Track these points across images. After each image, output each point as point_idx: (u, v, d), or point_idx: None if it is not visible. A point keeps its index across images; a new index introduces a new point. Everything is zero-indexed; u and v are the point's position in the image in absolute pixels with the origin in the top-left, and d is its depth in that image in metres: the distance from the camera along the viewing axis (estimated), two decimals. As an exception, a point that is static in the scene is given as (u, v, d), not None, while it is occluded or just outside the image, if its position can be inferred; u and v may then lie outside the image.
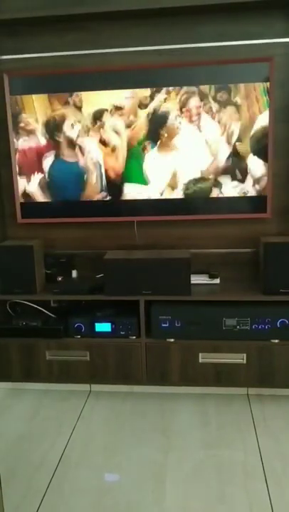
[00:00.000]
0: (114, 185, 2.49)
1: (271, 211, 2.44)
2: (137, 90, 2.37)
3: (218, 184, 2.42)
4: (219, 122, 2.35)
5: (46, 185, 2.53)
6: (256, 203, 2.43)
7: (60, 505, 1.73)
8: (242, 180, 2.40)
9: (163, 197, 2.47)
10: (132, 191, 2.48)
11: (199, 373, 2.34)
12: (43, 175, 2.52)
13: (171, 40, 2.37)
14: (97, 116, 2.42)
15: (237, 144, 2.37)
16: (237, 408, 2.34)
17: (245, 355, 2.30)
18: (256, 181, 2.40)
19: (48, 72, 2.43)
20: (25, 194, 2.56)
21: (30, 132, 2.47)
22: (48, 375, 2.44)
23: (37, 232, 2.61)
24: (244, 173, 2.40)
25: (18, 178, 2.54)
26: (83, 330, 2.39)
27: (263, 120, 2.33)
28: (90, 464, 1.96)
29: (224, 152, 2.38)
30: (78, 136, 2.45)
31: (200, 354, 2.32)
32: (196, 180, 2.43)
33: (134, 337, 2.37)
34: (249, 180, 2.40)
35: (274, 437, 2.09)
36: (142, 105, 2.38)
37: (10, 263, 2.38)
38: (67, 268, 2.59)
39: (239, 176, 2.40)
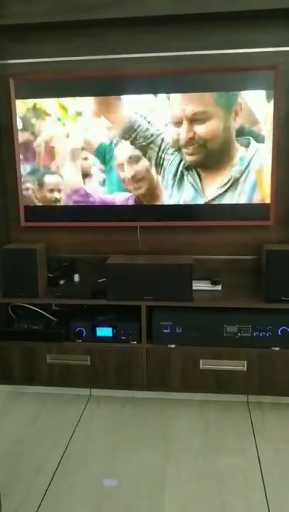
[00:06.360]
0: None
1: (274, 219, 2.44)
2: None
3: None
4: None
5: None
6: (259, 210, 2.43)
7: (58, 510, 1.73)
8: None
9: (166, 203, 2.48)
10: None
11: (200, 380, 2.34)
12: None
13: (176, 47, 2.38)
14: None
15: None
16: (237, 415, 2.33)
17: (245, 362, 2.30)
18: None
19: (53, 77, 2.45)
20: (29, 197, 2.58)
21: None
22: (49, 378, 2.45)
23: (40, 236, 2.62)
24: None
25: (23, 181, 2.56)
26: (84, 334, 2.40)
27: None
28: (89, 469, 1.96)
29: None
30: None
31: (201, 360, 2.32)
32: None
33: (135, 342, 2.37)
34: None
35: (273, 445, 2.09)
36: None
37: (13, 266, 2.39)
38: (70, 272, 2.60)
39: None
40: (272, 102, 2.31)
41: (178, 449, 2.08)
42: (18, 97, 2.47)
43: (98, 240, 2.62)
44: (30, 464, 1.99)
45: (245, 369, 2.30)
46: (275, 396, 2.39)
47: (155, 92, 2.38)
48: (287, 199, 2.48)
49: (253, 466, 1.95)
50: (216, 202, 2.44)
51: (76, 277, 2.61)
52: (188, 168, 2.42)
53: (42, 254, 2.48)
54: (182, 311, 2.34)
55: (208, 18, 2.30)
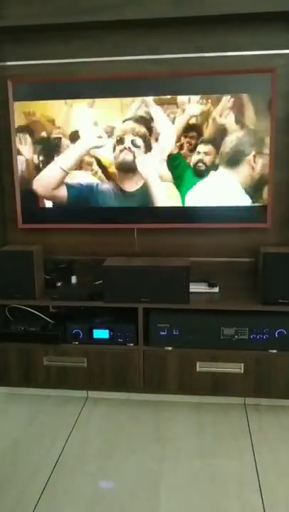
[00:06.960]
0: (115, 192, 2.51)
1: (271, 221, 2.44)
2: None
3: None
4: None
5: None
6: (256, 212, 2.43)
7: (54, 511, 1.73)
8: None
9: (163, 205, 2.48)
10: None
11: (196, 382, 2.34)
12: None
13: (173, 49, 2.38)
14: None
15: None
16: (234, 418, 2.33)
17: (242, 364, 2.29)
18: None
19: (51, 79, 2.45)
20: (27, 199, 2.58)
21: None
22: (46, 380, 2.44)
23: (37, 238, 2.62)
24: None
25: (20, 183, 2.56)
26: (81, 336, 2.40)
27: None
28: (85, 471, 1.95)
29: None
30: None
31: (197, 363, 2.32)
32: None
33: (132, 344, 2.37)
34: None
35: (270, 447, 2.08)
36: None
37: (10, 268, 2.39)
38: (67, 274, 2.60)
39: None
40: (269, 104, 2.31)
41: (174, 451, 2.08)
42: (16, 99, 2.47)
43: (95, 241, 2.62)
44: (26, 465, 1.99)
45: (242, 371, 2.30)
46: (272, 398, 2.38)
47: (149, 95, 2.38)
48: (285, 201, 2.48)
49: (249, 469, 1.94)
50: (214, 204, 2.45)
51: (73, 279, 2.61)
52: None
53: (39, 256, 2.48)
54: (179, 313, 2.33)
55: (205, 21, 2.31)
